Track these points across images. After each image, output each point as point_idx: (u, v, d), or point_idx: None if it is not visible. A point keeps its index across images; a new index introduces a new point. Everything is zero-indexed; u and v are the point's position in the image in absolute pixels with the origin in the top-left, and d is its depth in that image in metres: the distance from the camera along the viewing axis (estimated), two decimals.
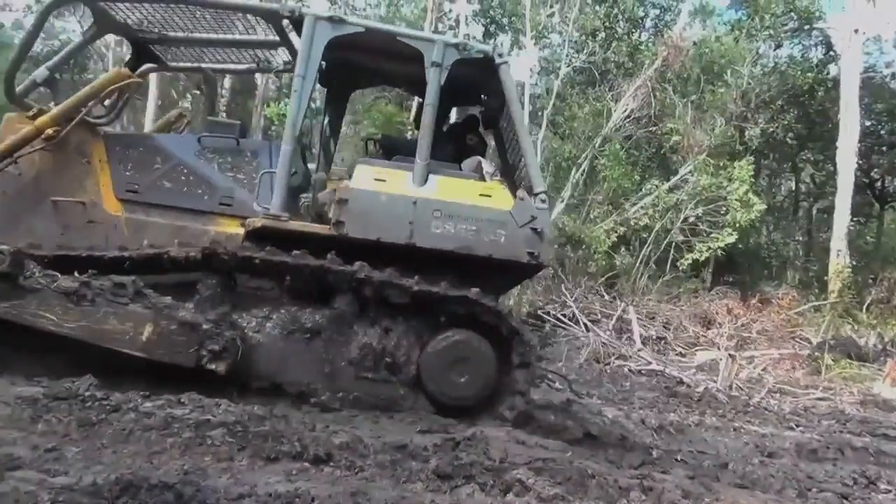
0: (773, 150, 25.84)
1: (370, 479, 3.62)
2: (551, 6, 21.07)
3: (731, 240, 18.77)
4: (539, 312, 14.84)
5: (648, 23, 24.95)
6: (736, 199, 18.59)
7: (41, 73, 6.38)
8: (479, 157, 6.45)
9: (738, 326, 15.14)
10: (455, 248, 5.79)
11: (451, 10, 26.45)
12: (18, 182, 5.93)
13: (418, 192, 5.85)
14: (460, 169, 6.37)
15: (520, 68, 21.14)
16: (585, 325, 14.02)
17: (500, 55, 6.20)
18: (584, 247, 18.14)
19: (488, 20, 25.60)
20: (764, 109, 22.81)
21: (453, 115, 8.13)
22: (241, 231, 5.86)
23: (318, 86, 6.67)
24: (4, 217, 5.88)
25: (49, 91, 6.51)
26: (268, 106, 26.75)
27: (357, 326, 5.67)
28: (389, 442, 4.33)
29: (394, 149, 6.69)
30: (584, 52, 21.11)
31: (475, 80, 6.50)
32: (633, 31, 22.94)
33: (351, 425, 4.91)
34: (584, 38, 21.22)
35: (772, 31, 22.79)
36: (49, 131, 5.85)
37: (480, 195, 5.95)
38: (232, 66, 7.69)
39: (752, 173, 19.66)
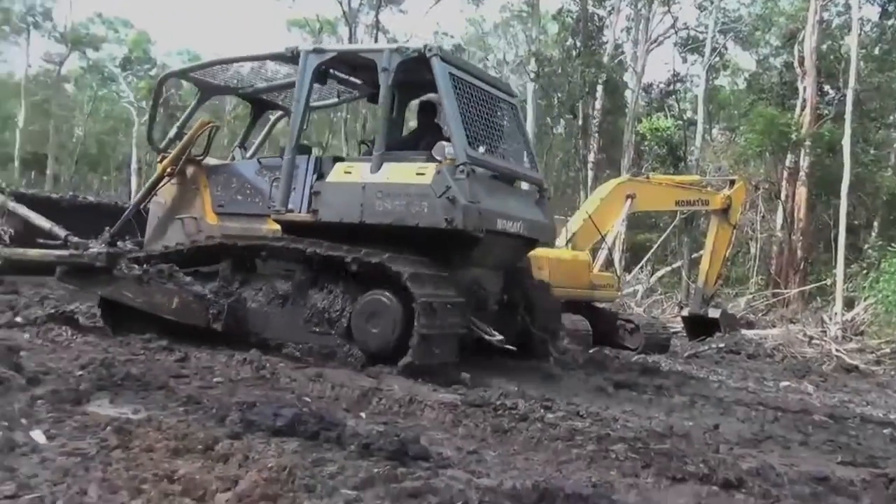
0: None
1: None
2: None
3: None
4: None
5: None
6: None
7: (174, 131, 8.91)
8: (444, 142, 6.97)
9: None
10: (391, 221, 6.68)
11: None
12: (161, 207, 8.37)
13: (368, 179, 6.86)
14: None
15: None
16: None
17: (430, 50, 6.97)
18: None
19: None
20: None
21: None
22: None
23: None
24: (155, 231, 8.31)
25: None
26: (640, 122, 26.76)
27: (310, 291, 6.85)
28: (806, 471, 3.94)
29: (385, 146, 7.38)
30: None
31: (425, 75, 7.06)
32: None
33: (758, 450, 4.58)
34: None
35: None
36: (169, 168, 8.08)
37: (416, 174, 6.73)
38: (323, 102, 9.61)
39: None
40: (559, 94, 28.58)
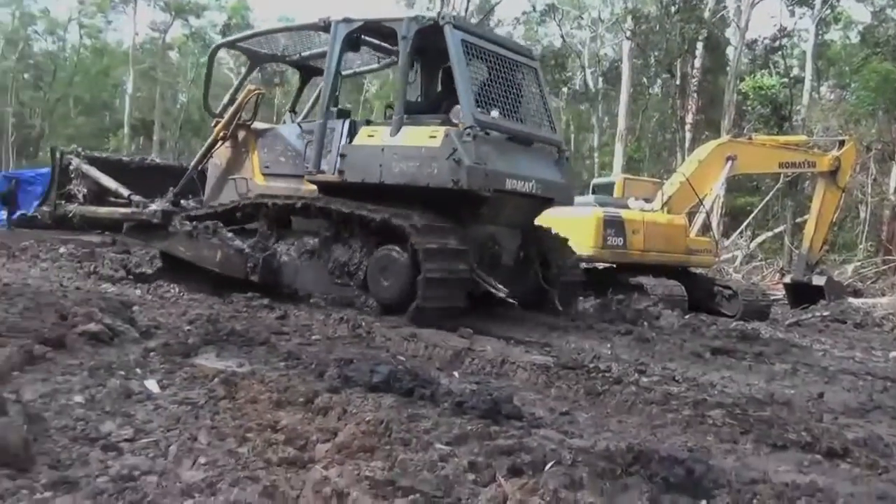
0: None
1: None
2: None
3: None
4: None
5: None
6: None
7: (227, 98, 9.30)
8: (457, 105, 7.20)
9: None
10: (406, 182, 7.10)
11: None
12: (217, 168, 9.05)
13: (387, 142, 7.28)
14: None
15: None
16: None
17: (443, 18, 7.32)
18: None
19: None
20: None
21: None
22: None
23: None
24: (213, 190, 8.99)
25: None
26: (742, 80, 25.65)
27: (333, 246, 7.45)
28: None
29: (408, 110, 7.69)
30: None
31: (444, 43, 7.28)
32: None
33: (865, 420, 4.39)
34: None
35: None
36: (222, 133, 8.79)
37: (429, 137, 7.08)
38: (366, 67, 10.15)
39: None
40: (656, 53, 27.73)
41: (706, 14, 26.89)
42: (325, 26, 7.99)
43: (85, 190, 9.55)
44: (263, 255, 7.45)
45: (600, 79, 36.03)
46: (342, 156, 7.52)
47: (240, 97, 8.85)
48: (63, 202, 9.58)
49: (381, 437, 2.85)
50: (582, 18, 38.75)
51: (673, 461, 2.77)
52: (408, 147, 7.15)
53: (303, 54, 9.39)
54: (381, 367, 3.93)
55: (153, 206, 8.32)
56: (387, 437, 2.87)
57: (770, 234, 25.61)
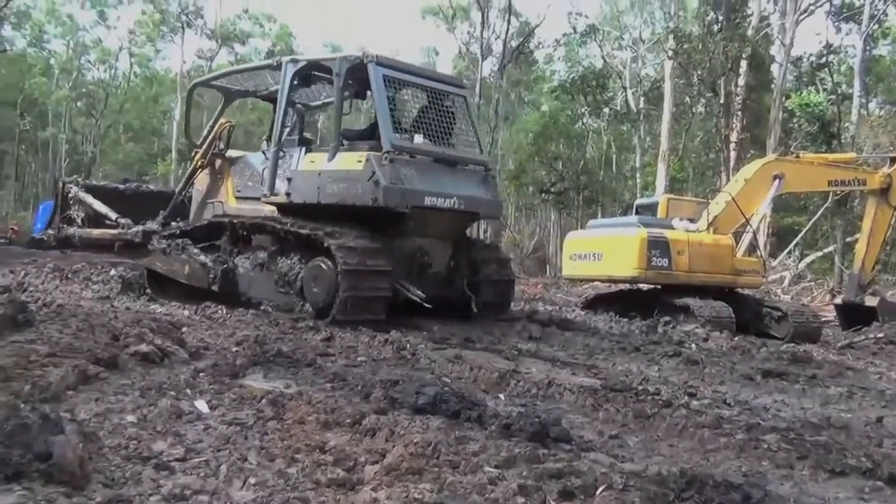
0: None
1: None
2: None
3: None
4: None
5: None
6: None
7: (206, 130, 10.37)
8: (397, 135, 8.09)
9: None
10: (337, 202, 8.03)
11: None
12: (199, 193, 10.16)
13: (324, 167, 8.20)
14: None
15: None
16: None
17: (367, 57, 8.20)
18: None
19: None
20: None
21: None
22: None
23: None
24: (195, 213, 10.00)
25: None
26: (787, 98, 25.31)
27: (278, 259, 8.35)
28: None
29: (350, 137, 8.72)
30: None
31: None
32: None
33: None
34: None
35: None
36: (200, 161, 10.02)
37: (356, 161, 7.95)
38: (329, 100, 10.26)
39: None
40: (699, 72, 27.40)
41: (749, 32, 26.57)
42: (276, 66, 9.21)
43: (83, 214, 10.91)
44: (222, 268, 8.40)
45: (642, 99, 35.80)
46: (289, 179, 8.48)
47: (214, 130, 10.07)
48: (65, 226, 10.92)
49: (430, 459, 2.83)
50: (623, 39, 38.64)
51: (728, 486, 2.70)
52: (339, 171, 8.08)
53: (270, 89, 10.12)
54: (426, 389, 3.91)
55: (136, 228, 9.80)
56: (435, 459, 2.86)
57: (819, 253, 25.05)
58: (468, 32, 40.55)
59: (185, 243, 8.78)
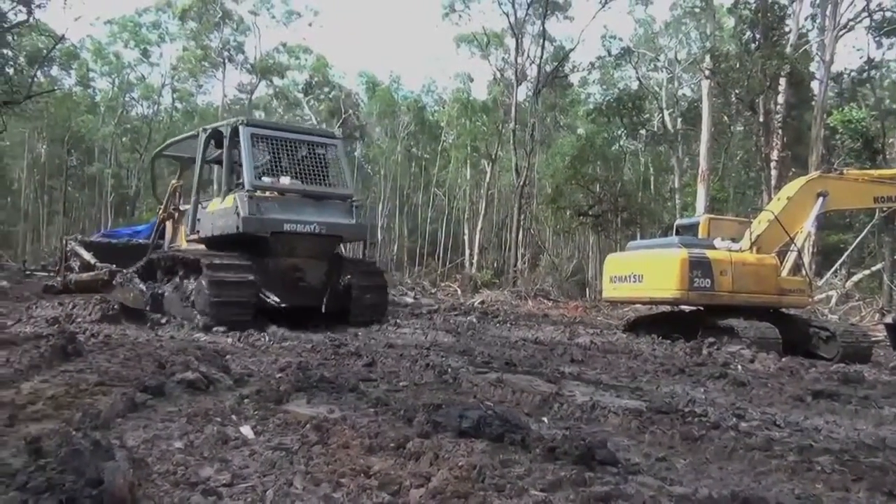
0: None
1: None
2: None
3: None
4: None
5: None
6: None
7: (170, 189, 13.36)
8: (267, 178, 10.91)
9: None
10: (220, 233, 10.58)
11: None
12: (166, 241, 13.01)
13: (215, 207, 10.82)
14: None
15: None
16: None
17: (240, 121, 11.05)
18: None
19: None
20: None
21: None
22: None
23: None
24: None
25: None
26: (829, 115, 24.93)
27: (183, 281, 10.54)
28: None
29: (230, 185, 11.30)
30: None
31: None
32: None
33: None
34: None
35: None
36: (162, 216, 13.12)
37: (232, 201, 10.33)
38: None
39: None
40: (737, 91, 27.12)
41: (788, 49, 26.28)
42: (195, 135, 12.17)
43: (79, 263, 13.26)
44: (151, 292, 10.99)
45: (679, 119, 35.54)
46: (198, 220, 11.20)
47: (168, 191, 13.10)
48: (68, 273, 13.27)
49: (475, 483, 2.81)
50: (658, 60, 38.48)
51: None
52: (221, 209, 10.58)
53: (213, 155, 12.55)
54: (470, 413, 3.89)
55: (103, 269, 11.84)
56: (480, 482, 2.84)
57: (867, 272, 24.45)
58: (503, 59, 40.84)
59: (131, 276, 11.29)
